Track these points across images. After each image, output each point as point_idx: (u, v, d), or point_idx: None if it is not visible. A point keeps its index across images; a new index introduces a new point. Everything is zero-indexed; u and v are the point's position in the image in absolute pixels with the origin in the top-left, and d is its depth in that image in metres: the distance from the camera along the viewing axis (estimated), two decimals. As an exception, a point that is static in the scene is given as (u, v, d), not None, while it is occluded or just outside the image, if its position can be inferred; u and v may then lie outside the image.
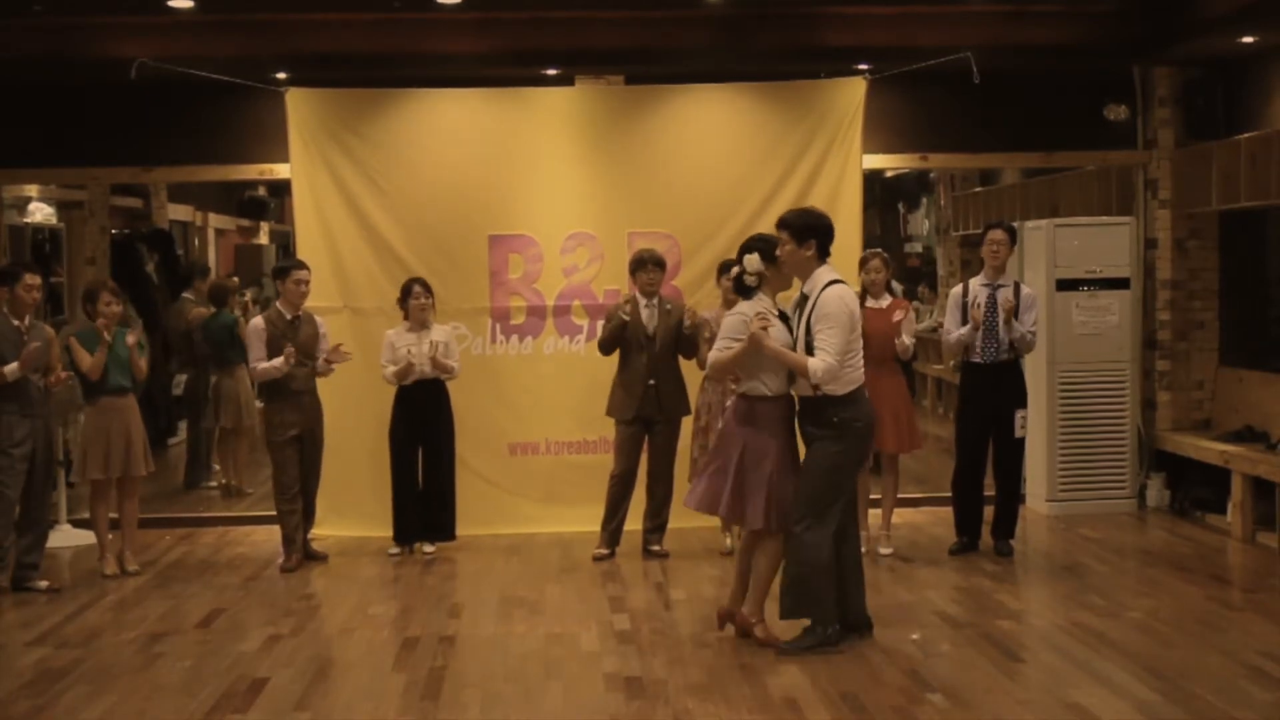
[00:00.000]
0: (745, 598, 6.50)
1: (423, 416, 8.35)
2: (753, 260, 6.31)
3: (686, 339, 8.18)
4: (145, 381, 8.45)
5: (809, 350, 6.14)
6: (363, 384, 8.49)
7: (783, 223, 6.32)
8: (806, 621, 6.34)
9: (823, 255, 6.27)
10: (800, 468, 6.33)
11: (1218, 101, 9.49)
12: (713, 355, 6.44)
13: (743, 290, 6.43)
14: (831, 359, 6.04)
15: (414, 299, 8.34)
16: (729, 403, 6.81)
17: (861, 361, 6.29)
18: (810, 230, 6.24)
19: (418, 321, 8.34)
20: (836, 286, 6.19)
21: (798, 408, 6.37)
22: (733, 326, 6.33)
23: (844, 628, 6.41)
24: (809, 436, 6.30)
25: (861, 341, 6.30)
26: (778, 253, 6.29)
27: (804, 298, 6.28)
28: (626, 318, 8.13)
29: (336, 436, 8.56)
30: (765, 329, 6.14)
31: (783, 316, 6.35)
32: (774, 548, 6.36)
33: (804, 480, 6.25)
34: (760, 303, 6.34)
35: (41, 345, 7.64)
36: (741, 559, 6.57)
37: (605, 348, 8.29)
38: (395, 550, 8.50)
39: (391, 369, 8.29)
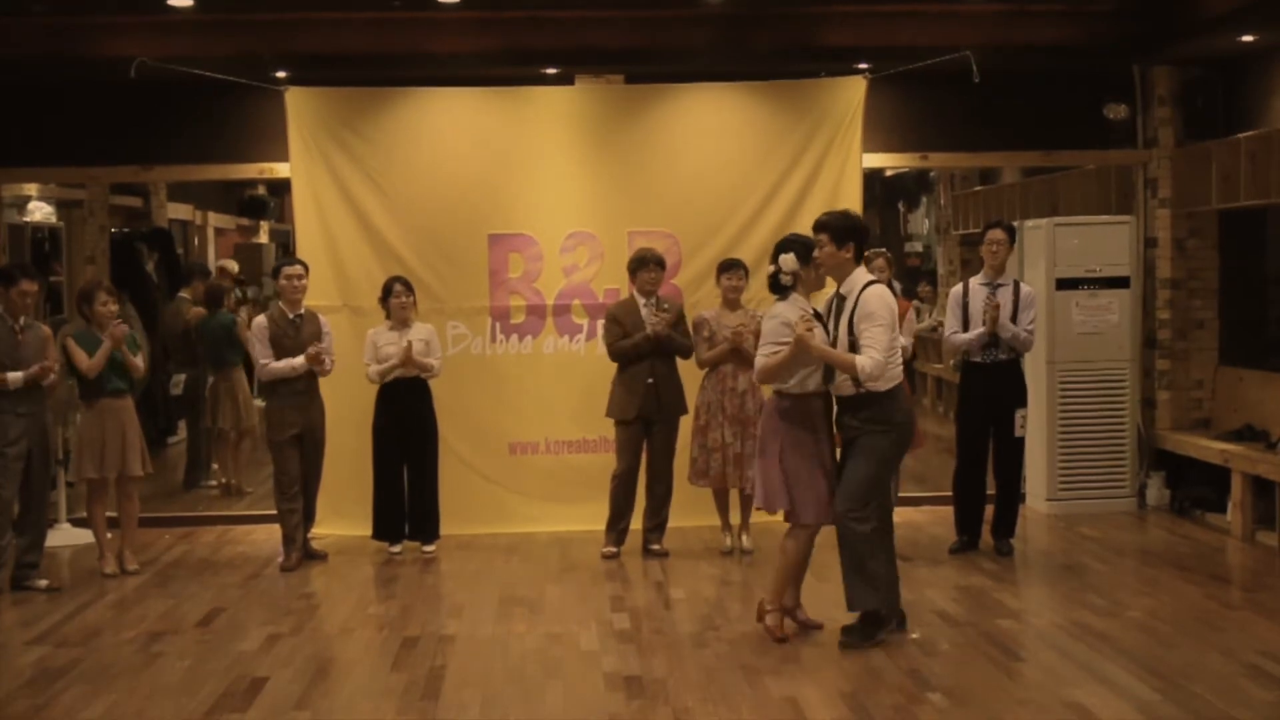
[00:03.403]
0: (790, 591, 6.56)
1: (405, 415, 8.36)
2: (789, 260, 6.36)
3: (678, 343, 8.18)
4: (145, 380, 8.43)
5: (851, 349, 6.19)
6: (364, 384, 8.46)
7: (821, 225, 6.35)
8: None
9: (859, 258, 6.34)
10: (837, 462, 6.41)
11: (1217, 100, 9.49)
12: (759, 361, 6.42)
13: (777, 289, 6.46)
14: (880, 355, 6.10)
15: (395, 297, 8.35)
16: (766, 400, 6.81)
17: (900, 360, 6.34)
18: (850, 232, 6.31)
19: (399, 320, 8.35)
20: (876, 286, 6.27)
21: (836, 404, 6.42)
22: (774, 331, 6.33)
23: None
24: (852, 432, 6.32)
25: (899, 341, 6.35)
26: (816, 254, 6.33)
27: (840, 298, 6.32)
28: (657, 335, 8.10)
29: (338, 436, 8.55)
30: (811, 330, 6.16)
31: (815, 315, 6.37)
32: (805, 537, 6.43)
33: (851, 474, 6.29)
34: (796, 303, 6.37)
35: (36, 339, 7.67)
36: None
37: (620, 358, 8.25)
38: (396, 549, 8.51)
39: (375, 367, 8.30)
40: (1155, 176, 9.77)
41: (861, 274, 6.31)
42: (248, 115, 9.38)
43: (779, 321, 6.34)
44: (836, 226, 6.32)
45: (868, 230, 6.50)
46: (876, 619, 6.37)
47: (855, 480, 6.28)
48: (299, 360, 8.07)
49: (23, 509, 7.76)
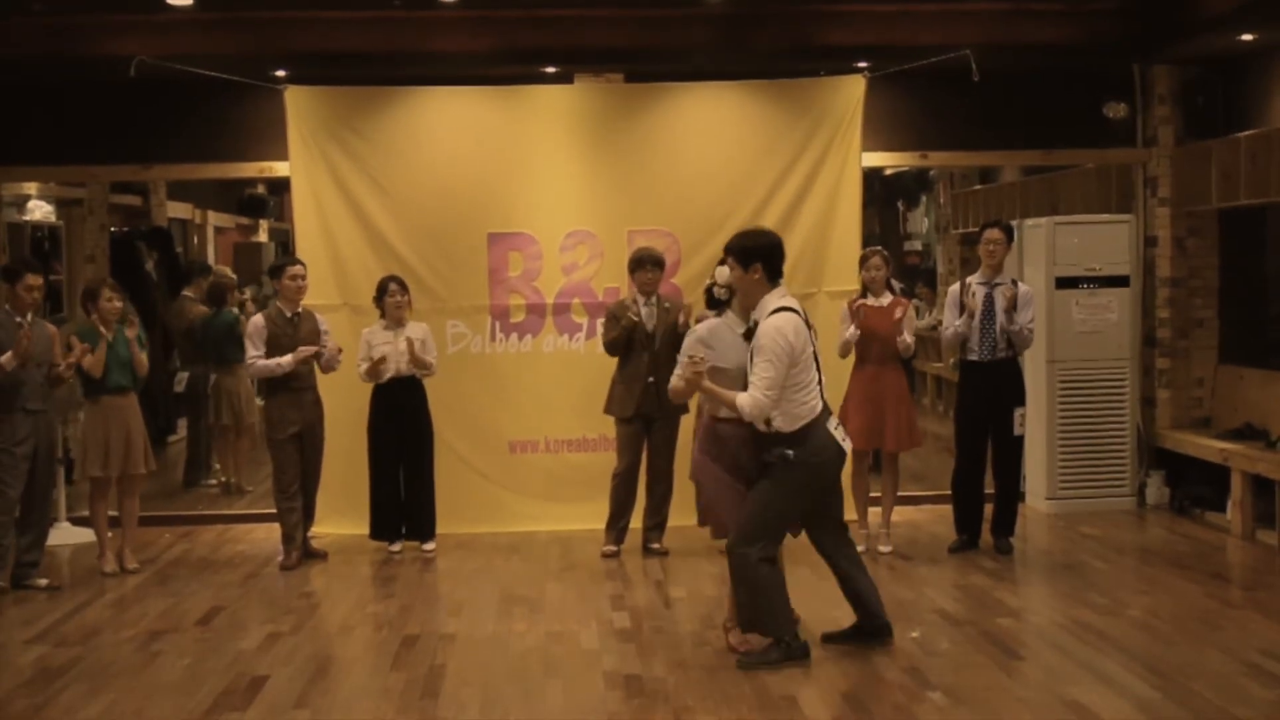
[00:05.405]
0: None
1: (400, 413, 8.36)
2: (722, 272, 6.16)
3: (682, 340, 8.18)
4: (146, 378, 8.42)
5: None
6: (360, 383, 8.45)
7: (727, 248, 6.07)
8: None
9: (773, 277, 5.98)
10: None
11: (1217, 99, 9.49)
12: (672, 381, 6.33)
13: (713, 304, 6.31)
14: (760, 394, 5.78)
15: (390, 296, 8.35)
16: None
17: (814, 395, 5.94)
18: (752, 253, 5.95)
19: (394, 319, 8.35)
20: (777, 316, 5.87)
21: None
22: (689, 348, 6.18)
23: (860, 635, 6.30)
24: (766, 460, 6.03)
25: (813, 373, 5.94)
26: (728, 278, 6.09)
27: (755, 324, 5.99)
28: (636, 319, 8.12)
29: (337, 435, 8.55)
30: (699, 373, 5.97)
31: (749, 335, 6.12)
32: None
33: (746, 503, 6.06)
34: (726, 322, 6.19)
35: (42, 336, 7.66)
36: None
37: (614, 349, 8.27)
38: (396, 548, 8.50)
39: (365, 366, 8.30)
40: (1155, 175, 9.77)
41: (771, 299, 5.93)
42: (247, 114, 9.37)
43: (695, 339, 6.18)
44: (738, 249, 5.97)
45: (777, 247, 6.02)
46: (781, 646, 6.07)
47: (748, 512, 6.02)
48: (286, 359, 8.05)
49: (25, 508, 7.75)
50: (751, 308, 6.07)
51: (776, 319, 5.87)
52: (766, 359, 5.79)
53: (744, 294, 6.07)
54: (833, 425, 6.03)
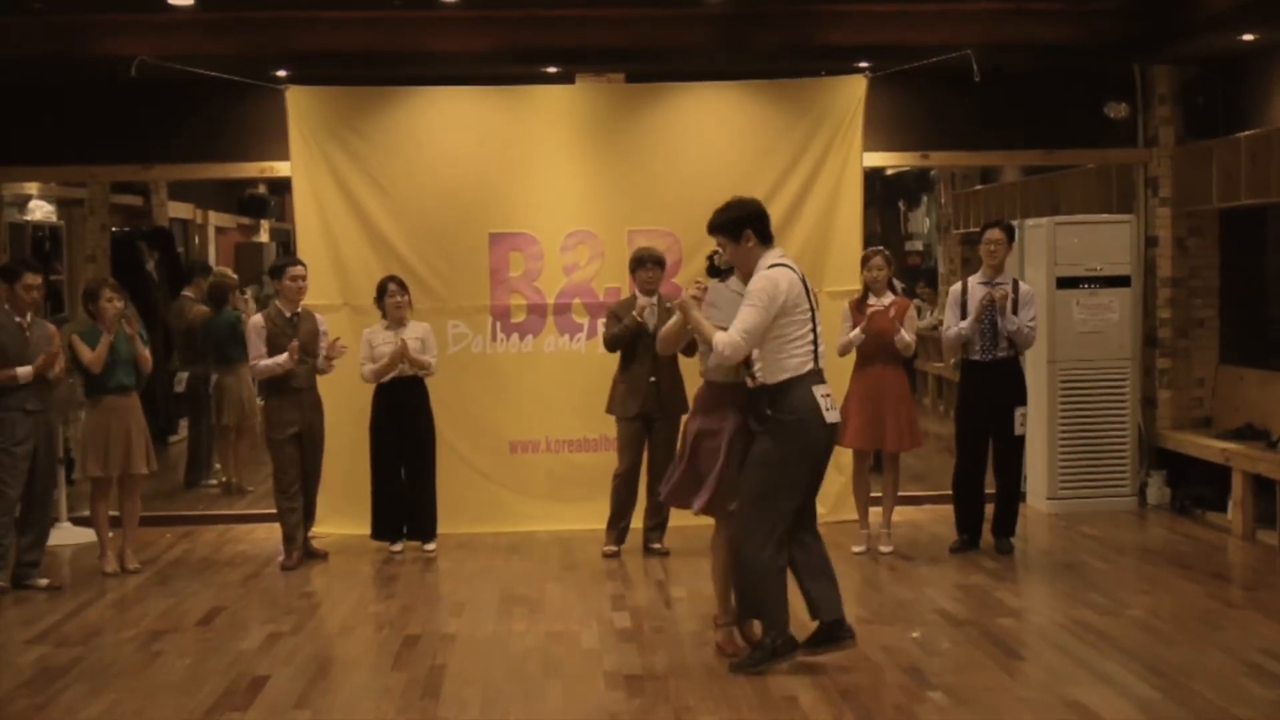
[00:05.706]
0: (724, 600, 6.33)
1: (402, 413, 8.37)
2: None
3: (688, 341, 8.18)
4: (149, 376, 8.42)
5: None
6: (362, 383, 8.46)
7: (712, 228, 6.06)
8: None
9: (764, 240, 5.98)
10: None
11: (1218, 99, 9.49)
12: (680, 297, 6.23)
13: (715, 273, 6.28)
14: (737, 335, 5.75)
15: (390, 297, 8.35)
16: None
17: (803, 351, 5.88)
18: (740, 222, 5.96)
19: (395, 319, 8.36)
20: (773, 269, 5.89)
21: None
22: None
23: (818, 639, 6.06)
24: (753, 430, 6.01)
25: (808, 328, 5.90)
26: (725, 256, 6.10)
27: None
28: (640, 320, 8.11)
29: (336, 435, 8.55)
30: (698, 297, 5.98)
31: None
32: (722, 542, 6.18)
33: (742, 479, 5.98)
34: (729, 287, 6.16)
35: (55, 352, 7.68)
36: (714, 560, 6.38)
37: (613, 344, 8.27)
38: (397, 548, 8.51)
39: (370, 367, 8.30)
40: (1156, 175, 9.77)
41: (768, 258, 5.94)
42: (248, 114, 9.38)
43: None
44: (724, 223, 5.98)
45: (760, 211, 6.02)
46: (770, 648, 5.95)
47: (742, 489, 5.94)
48: (283, 357, 8.06)
49: (25, 508, 7.76)
50: (750, 275, 6.03)
51: (772, 271, 5.91)
52: (751, 304, 5.81)
53: (741, 264, 6.06)
54: (820, 392, 5.93)
